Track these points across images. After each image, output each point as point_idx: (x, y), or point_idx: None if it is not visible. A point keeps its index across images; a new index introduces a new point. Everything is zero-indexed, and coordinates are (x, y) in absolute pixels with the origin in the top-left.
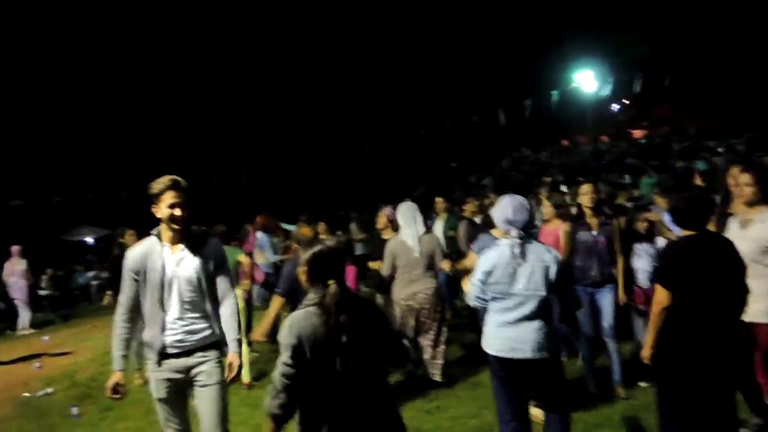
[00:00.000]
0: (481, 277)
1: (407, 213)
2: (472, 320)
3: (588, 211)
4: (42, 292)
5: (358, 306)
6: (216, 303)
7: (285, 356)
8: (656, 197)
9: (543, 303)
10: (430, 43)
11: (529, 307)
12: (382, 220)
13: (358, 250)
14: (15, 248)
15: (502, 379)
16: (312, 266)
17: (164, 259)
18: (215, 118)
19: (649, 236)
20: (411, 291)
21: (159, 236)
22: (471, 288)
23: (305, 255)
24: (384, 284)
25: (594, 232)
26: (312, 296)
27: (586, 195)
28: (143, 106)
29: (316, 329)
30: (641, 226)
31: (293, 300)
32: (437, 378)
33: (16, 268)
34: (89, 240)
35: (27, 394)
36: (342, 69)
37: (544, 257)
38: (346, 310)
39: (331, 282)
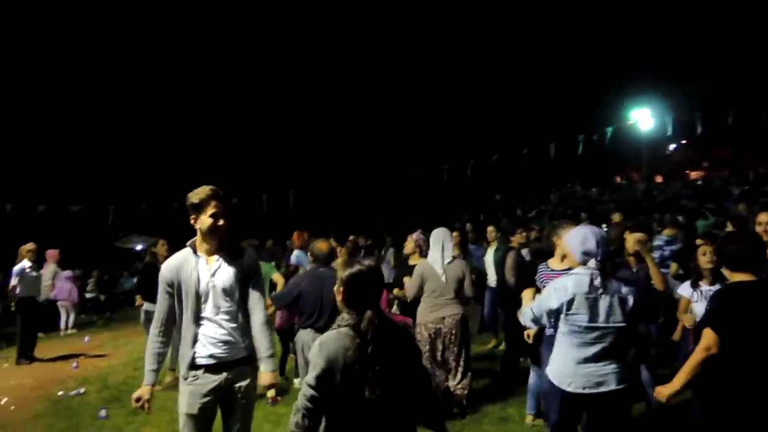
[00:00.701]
0: (554, 306)
1: (436, 238)
2: (507, 353)
3: (629, 250)
4: (88, 295)
5: (393, 333)
6: (248, 316)
7: (311, 377)
8: (699, 241)
9: (624, 334)
10: (485, 73)
11: (610, 339)
12: (410, 246)
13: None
14: (51, 252)
15: (572, 418)
16: (349, 287)
17: (199, 271)
18: (265, 136)
19: (718, 276)
20: (439, 315)
21: (194, 247)
22: (534, 308)
23: (343, 274)
24: (408, 308)
25: (633, 269)
26: (346, 317)
27: (639, 240)
28: (198, 123)
29: (347, 352)
30: (705, 260)
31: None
32: (464, 403)
33: (45, 271)
34: (138, 248)
35: (61, 393)
36: (397, 94)
37: (621, 289)
38: (381, 335)
39: (368, 306)
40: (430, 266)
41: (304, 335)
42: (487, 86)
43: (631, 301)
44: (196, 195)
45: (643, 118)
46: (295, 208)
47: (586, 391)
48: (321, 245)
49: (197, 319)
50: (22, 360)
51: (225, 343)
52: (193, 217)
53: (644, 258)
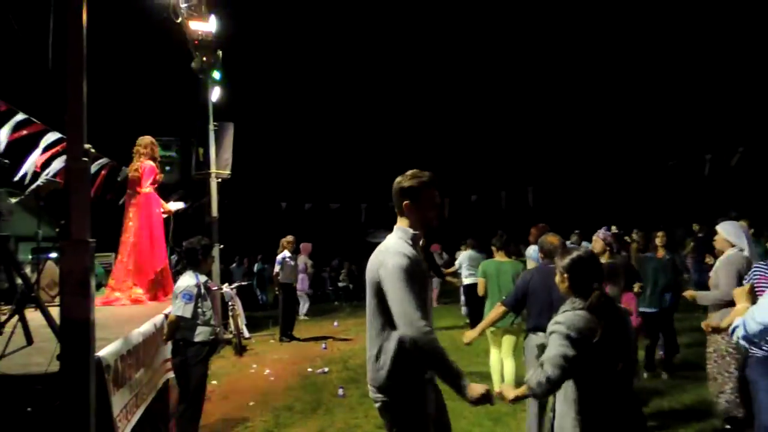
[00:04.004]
0: None
1: (739, 230)
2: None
3: None
4: (340, 284)
5: (616, 311)
6: None
7: (565, 341)
8: None
9: None
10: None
11: None
12: (599, 245)
13: None
14: (305, 245)
15: None
16: (574, 272)
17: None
18: (504, 132)
19: None
20: None
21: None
22: (752, 319)
23: (563, 262)
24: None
25: None
26: (577, 301)
27: None
28: (437, 123)
29: (591, 332)
30: None
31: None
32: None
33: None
34: None
35: (310, 370)
36: (645, 77)
37: None
38: (609, 313)
39: (594, 288)
40: (747, 260)
41: (535, 340)
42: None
43: None
44: (418, 179)
45: None
46: (535, 205)
47: None
48: (552, 239)
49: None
50: (283, 338)
51: None
52: (409, 202)
53: None
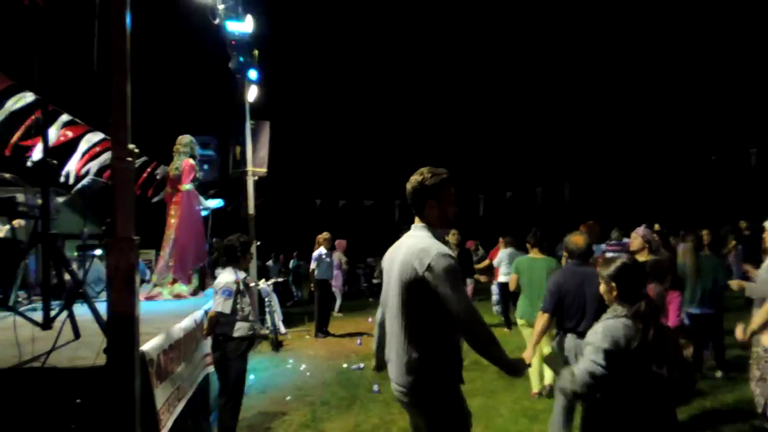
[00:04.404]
0: None
1: None
2: None
3: None
4: (374, 281)
5: (659, 320)
6: None
7: (596, 356)
8: None
9: None
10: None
11: None
12: (637, 242)
13: None
14: (340, 241)
15: None
16: (622, 280)
17: None
18: (540, 128)
19: None
20: None
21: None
22: None
23: (609, 270)
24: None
25: None
26: (620, 308)
27: None
28: (472, 124)
29: (630, 340)
30: None
31: (559, 317)
32: None
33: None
34: None
35: (345, 366)
36: (686, 71)
37: None
38: (654, 318)
39: (641, 295)
40: None
41: (570, 342)
42: None
43: None
44: (437, 177)
45: None
46: (571, 201)
47: None
48: (577, 239)
49: None
50: (318, 334)
51: None
52: (431, 200)
53: None
